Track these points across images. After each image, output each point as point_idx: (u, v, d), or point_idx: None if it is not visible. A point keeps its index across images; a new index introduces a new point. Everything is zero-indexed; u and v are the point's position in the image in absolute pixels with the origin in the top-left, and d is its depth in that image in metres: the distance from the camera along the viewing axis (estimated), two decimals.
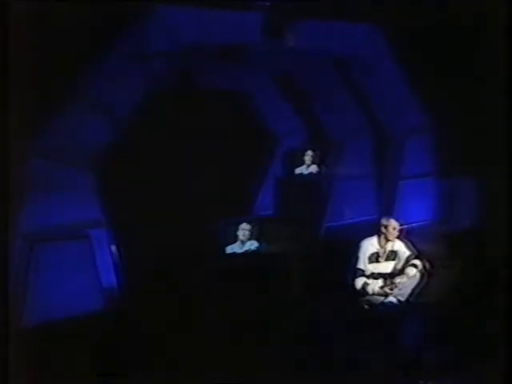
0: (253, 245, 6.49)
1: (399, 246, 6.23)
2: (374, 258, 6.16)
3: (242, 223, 6.29)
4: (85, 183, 6.03)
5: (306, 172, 8.39)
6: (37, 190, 5.56)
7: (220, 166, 7.55)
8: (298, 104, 8.63)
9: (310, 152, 8.27)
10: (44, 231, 5.62)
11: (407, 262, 6.16)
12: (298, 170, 8.35)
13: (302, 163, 8.32)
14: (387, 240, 6.16)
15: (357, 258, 6.15)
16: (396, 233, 6.14)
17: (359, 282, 6.08)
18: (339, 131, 8.43)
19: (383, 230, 6.15)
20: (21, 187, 5.33)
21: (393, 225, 6.14)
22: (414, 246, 6.33)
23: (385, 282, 6.10)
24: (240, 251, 6.41)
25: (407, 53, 7.48)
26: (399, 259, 6.20)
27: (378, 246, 6.19)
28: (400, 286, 5.99)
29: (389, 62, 7.66)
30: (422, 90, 7.74)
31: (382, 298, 5.97)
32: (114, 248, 6.22)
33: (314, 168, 8.39)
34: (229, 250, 6.40)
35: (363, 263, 6.14)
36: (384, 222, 6.17)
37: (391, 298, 5.95)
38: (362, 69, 7.80)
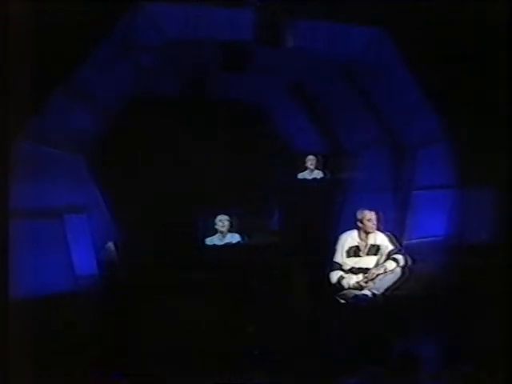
0: (234, 238, 6.40)
1: (382, 240, 5.94)
2: (353, 251, 5.90)
3: (218, 215, 6.22)
4: (70, 168, 6.10)
5: (309, 177, 8.26)
6: (23, 173, 5.63)
7: (217, 164, 7.52)
8: (305, 111, 8.55)
9: (311, 157, 8.14)
10: (24, 212, 5.68)
11: (389, 257, 5.89)
12: (300, 176, 8.24)
13: (305, 168, 8.21)
14: (367, 233, 5.92)
15: (334, 251, 5.94)
16: (373, 224, 5.87)
17: (334, 275, 5.84)
18: (349, 139, 8.29)
19: (359, 224, 5.92)
20: (7, 169, 5.40)
21: (367, 216, 5.87)
22: (427, 258, 6.11)
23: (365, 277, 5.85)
24: (220, 243, 6.33)
25: (419, 58, 7.31)
26: (381, 254, 5.91)
27: (358, 240, 5.92)
28: (376, 280, 5.72)
29: (400, 68, 7.51)
30: (436, 97, 7.52)
31: (357, 291, 5.70)
32: (94, 234, 6.22)
33: (317, 173, 8.24)
34: (208, 242, 6.33)
35: (340, 257, 5.89)
36: (358, 215, 5.92)
37: (366, 291, 5.65)
38: (372, 76, 7.69)
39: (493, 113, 6.87)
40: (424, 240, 7.30)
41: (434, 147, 7.70)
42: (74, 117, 6.12)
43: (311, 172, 8.22)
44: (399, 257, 5.88)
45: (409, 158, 7.81)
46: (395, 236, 6.04)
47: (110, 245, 6.52)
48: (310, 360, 4.90)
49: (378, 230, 5.94)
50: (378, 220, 5.91)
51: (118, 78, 6.41)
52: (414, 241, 7.01)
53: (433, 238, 7.51)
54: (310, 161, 8.14)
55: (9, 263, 5.20)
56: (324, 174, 8.22)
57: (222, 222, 6.28)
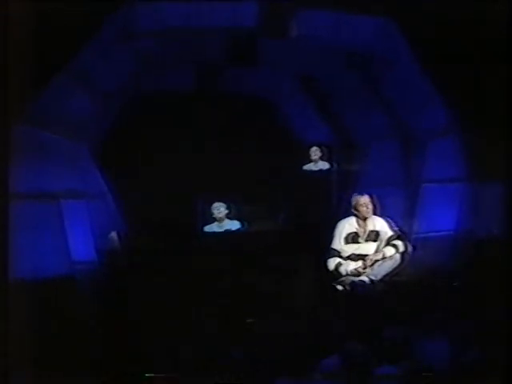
0: (233, 225, 6.36)
1: (381, 226, 5.82)
2: (351, 238, 5.78)
3: (214, 202, 6.23)
4: (70, 154, 6.09)
5: (315, 169, 8.16)
6: (22, 156, 5.61)
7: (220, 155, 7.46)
8: (311, 102, 8.45)
9: (315, 148, 8.03)
10: (22, 195, 5.66)
11: (388, 243, 5.76)
12: (306, 167, 8.13)
13: (310, 160, 8.11)
14: (365, 219, 5.80)
15: (332, 238, 5.83)
16: (368, 209, 5.76)
17: (332, 262, 5.72)
18: (357, 131, 8.16)
19: (354, 211, 5.81)
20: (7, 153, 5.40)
21: (360, 202, 5.78)
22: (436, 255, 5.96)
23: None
24: (219, 230, 6.29)
25: (429, 49, 7.17)
26: (381, 240, 5.78)
27: (356, 226, 5.80)
28: (374, 266, 5.58)
29: (408, 58, 7.37)
30: (446, 88, 7.35)
31: (355, 277, 5.56)
32: (95, 221, 6.18)
33: (323, 165, 8.14)
34: (207, 229, 6.29)
35: (338, 243, 5.78)
36: (352, 201, 5.82)
37: (363, 278, 5.53)
38: (381, 67, 7.57)
39: (505, 105, 6.69)
40: (433, 234, 7.17)
41: (444, 140, 7.53)
42: (75, 103, 6.12)
43: (316, 163, 8.12)
44: (399, 243, 5.76)
45: (418, 150, 7.66)
46: (395, 222, 5.92)
47: (113, 234, 6.52)
48: (309, 350, 4.80)
49: (376, 214, 5.82)
50: (374, 204, 5.81)
51: (119, 65, 6.40)
52: (423, 235, 6.87)
53: (443, 232, 7.36)
54: (314, 152, 8.04)
55: (8, 246, 5.17)
56: (330, 165, 8.11)
57: (218, 209, 6.26)
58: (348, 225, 5.81)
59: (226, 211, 6.31)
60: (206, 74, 7.63)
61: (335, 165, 8.08)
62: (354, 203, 5.82)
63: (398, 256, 5.69)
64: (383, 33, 6.91)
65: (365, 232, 5.80)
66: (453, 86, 7.05)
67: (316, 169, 8.16)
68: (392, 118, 7.63)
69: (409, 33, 6.93)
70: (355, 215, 5.82)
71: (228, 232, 6.30)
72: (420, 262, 5.93)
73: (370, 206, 5.77)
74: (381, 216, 5.90)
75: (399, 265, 5.67)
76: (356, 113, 7.99)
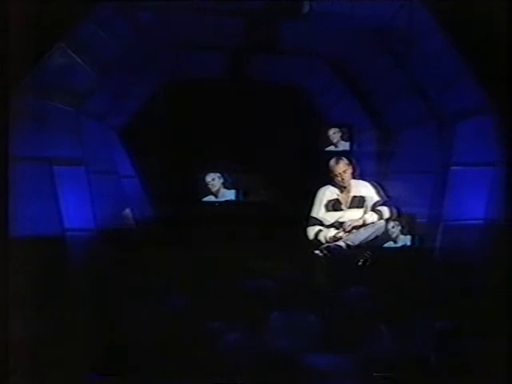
0: (230, 195, 6.19)
1: (367, 191, 5.48)
2: (332, 205, 5.45)
3: (207, 174, 6.11)
4: (69, 122, 6.27)
5: (336, 150, 7.89)
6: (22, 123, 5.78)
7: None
8: (331, 82, 8.24)
9: (333, 130, 7.77)
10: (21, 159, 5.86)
11: (373, 209, 5.42)
12: (328, 149, 7.88)
13: (330, 142, 7.87)
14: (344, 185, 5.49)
15: (311, 206, 5.53)
16: (345, 179, 5.46)
17: (311, 231, 5.43)
18: (384, 113, 7.85)
19: (335, 180, 5.52)
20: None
21: (335, 171, 5.49)
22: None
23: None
24: (215, 200, 6.15)
25: (458, 25, 6.81)
26: (367, 206, 5.45)
27: (337, 192, 5.48)
28: (353, 231, 5.28)
29: (436, 35, 7.01)
30: (477, 66, 6.92)
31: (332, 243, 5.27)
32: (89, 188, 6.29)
33: (344, 145, 7.86)
34: (206, 199, 6.14)
35: (318, 211, 5.47)
36: (330, 167, 5.54)
37: (340, 242, 5.23)
38: (408, 46, 7.27)
39: None
40: (463, 222, 6.72)
41: (475, 121, 7.05)
42: (76, 74, 6.28)
43: (337, 145, 7.86)
44: (384, 209, 5.39)
45: (447, 132, 7.22)
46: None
47: (128, 211, 6.57)
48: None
49: (355, 178, 5.53)
50: (353, 168, 5.54)
51: (119, 38, 6.47)
52: (451, 222, 6.46)
53: (473, 221, 6.87)
54: (332, 134, 7.80)
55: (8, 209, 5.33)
56: (350, 145, 7.83)
57: (212, 182, 6.11)
58: (329, 192, 5.50)
59: (221, 180, 6.25)
60: (215, 56, 7.61)
61: (355, 145, 7.81)
62: (329, 169, 5.55)
63: (382, 223, 5.33)
64: (408, 7, 6.65)
65: (348, 198, 5.49)
66: (484, 64, 6.61)
67: (337, 150, 7.91)
68: (420, 99, 7.26)
69: (437, 9, 6.60)
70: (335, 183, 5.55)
71: (227, 202, 6.21)
72: (450, 250, 5.58)
73: (347, 175, 5.48)
74: (367, 180, 5.61)
75: (380, 232, 5.30)
76: (383, 94, 7.66)
